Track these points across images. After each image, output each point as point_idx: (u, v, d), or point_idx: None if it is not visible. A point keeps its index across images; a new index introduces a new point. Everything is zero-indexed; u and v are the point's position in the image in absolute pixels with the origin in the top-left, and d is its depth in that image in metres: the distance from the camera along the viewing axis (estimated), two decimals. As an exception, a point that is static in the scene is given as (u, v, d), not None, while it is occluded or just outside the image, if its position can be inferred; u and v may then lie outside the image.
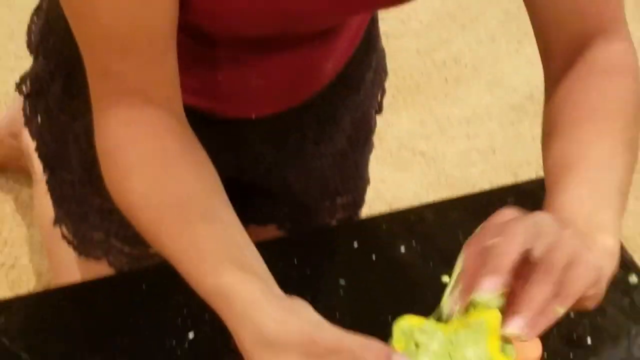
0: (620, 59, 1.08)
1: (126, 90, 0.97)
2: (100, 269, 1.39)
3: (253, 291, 0.90)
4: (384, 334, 1.22)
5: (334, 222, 1.54)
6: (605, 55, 1.07)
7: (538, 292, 0.85)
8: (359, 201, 1.55)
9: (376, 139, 1.55)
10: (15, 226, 2.11)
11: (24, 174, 2.13)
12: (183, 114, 1.03)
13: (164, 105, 1.00)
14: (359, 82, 1.39)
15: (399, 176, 2.31)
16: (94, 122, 0.99)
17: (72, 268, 1.45)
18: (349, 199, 1.50)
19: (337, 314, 1.23)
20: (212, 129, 1.22)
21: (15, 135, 1.88)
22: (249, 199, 1.45)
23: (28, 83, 1.38)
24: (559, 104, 1.07)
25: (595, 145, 1.00)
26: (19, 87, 1.41)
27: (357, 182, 1.52)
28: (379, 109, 1.50)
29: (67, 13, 0.95)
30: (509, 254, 0.86)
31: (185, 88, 1.02)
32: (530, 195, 1.33)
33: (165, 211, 0.97)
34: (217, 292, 0.91)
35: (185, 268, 0.95)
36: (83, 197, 1.34)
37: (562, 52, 1.08)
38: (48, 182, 1.42)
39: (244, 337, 0.89)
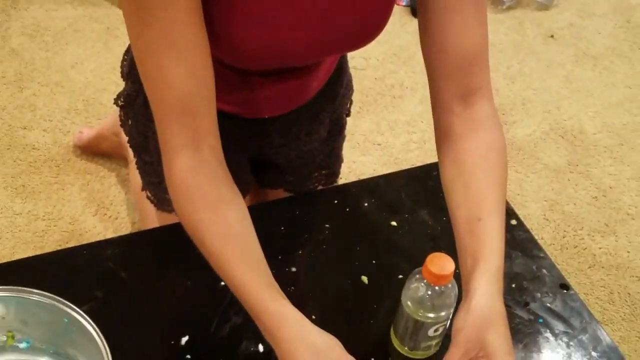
0: (492, 116, 1.01)
1: (185, 137, 0.92)
2: (171, 218, 1.33)
3: (299, 317, 0.88)
4: (352, 255, 1.25)
5: (320, 187, 1.51)
6: (485, 113, 1.00)
7: None
8: (336, 173, 1.52)
9: (348, 134, 1.55)
10: (118, 192, 2.10)
11: (122, 159, 2.11)
12: (223, 160, 0.97)
13: (212, 154, 0.95)
14: (334, 95, 1.37)
15: (363, 159, 2.31)
16: (162, 159, 0.95)
17: (153, 218, 1.45)
18: (329, 171, 1.48)
19: (324, 245, 1.26)
20: (242, 125, 1.23)
21: (117, 134, 1.84)
22: (265, 171, 1.45)
23: (121, 99, 1.37)
24: (458, 160, 1.00)
25: (490, 204, 0.95)
26: (115, 101, 1.40)
27: (335, 160, 1.49)
28: (348, 114, 1.47)
29: (139, 69, 0.93)
30: None
31: (226, 101, 0.99)
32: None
33: (226, 242, 0.92)
34: (272, 315, 0.88)
35: (241, 291, 0.90)
36: (158, 172, 1.33)
37: (449, 98, 1.00)
38: (136, 163, 1.43)
39: (296, 347, 0.85)
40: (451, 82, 0.99)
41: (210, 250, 0.92)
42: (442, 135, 1.02)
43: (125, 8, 0.88)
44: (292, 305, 0.89)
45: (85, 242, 1.25)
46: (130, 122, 1.39)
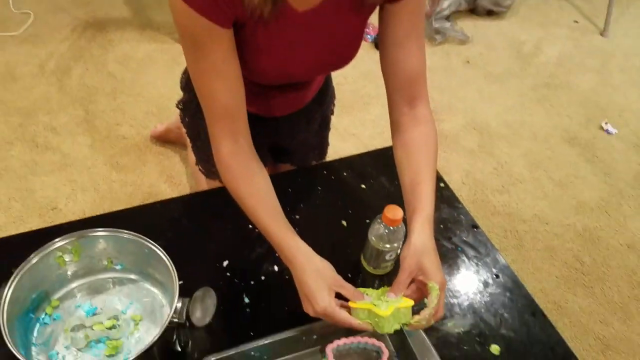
0: (429, 115, 1.00)
1: (227, 132, 0.93)
2: (216, 184, 1.37)
3: (307, 248, 0.90)
4: (336, 207, 1.24)
5: (314, 162, 1.49)
6: (424, 114, 0.99)
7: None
8: (325, 153, 1.49)
9: (333, 128, 1.54)
10: (180, 167, 2.10)
11: (183, 145, 2.10)
12: (253, 146, 0.97)
13: (246, 143, 0.95)
14: (323, 101, 1.35)
15: (344, 145, 2.31)
16: (212, 146, 0.95)
17: (204, 184, 1.43)
18: (320, 151, 1.46)
19: (317, 201, 1.26)
20: (260, 122, 1.21)
21: (179, 128, 1.80)
22: (278, 152, 1.44)
23: (181, 104, 1.36)
24: (405, 144, 0.99)
25: (425, 173, 0.94)
26: (177, 105, 1.39)
27: (324, 144, 1.47)
28: (332, 113, 1.45)
29: (195, 86, 0.93)
30: (403, 285, 0.87)
31: (250, 105, 0.97)
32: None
33: (257, 201, 0.93)
34: (286, 244, 0.89)
35: (267, 229, 0.91)
36: (207, 153, 1.29)
37: (400, 102, 0.99)
38: (192, 147, 1.40)
39: (300, 267, 0.86)
40: (401, 93, 0.99)
41: (247, 206, 0.93)
42: (395, 128, 1.02)
43: (183, 45, 0.89)
44: (302, 241, 0.91)
45: (159, 200, 1.24)
46: (187, 120, 1.38)
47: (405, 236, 0.93)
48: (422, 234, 0.87)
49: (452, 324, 1.05)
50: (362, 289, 0.90)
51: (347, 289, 0.86)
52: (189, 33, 0.85)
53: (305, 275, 0.85)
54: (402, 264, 0.87)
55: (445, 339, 1.03)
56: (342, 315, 0.84)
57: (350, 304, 0.86)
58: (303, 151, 1.42)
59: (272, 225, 0.91)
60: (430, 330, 1.02)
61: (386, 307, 0.83)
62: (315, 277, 0.85)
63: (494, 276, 1.15)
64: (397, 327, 0.85)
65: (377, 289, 0.93)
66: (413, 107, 0.99)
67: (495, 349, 1.02)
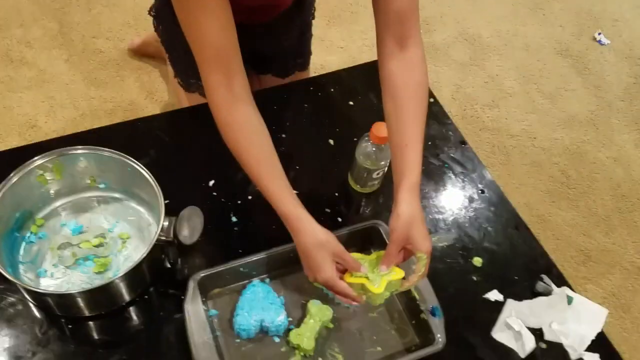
0: (422, 60, 0.92)
1: (222, 79, 0.86)
2: (197, 98, 1.33)
3: (310, 219, 0.86)
4: (323, 125, 1.23)
5: (296, 72, 1.41)
6: (416, 57, 0.91)
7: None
8: (307, 62, 1.43)
9: (319, 40, 1.51)
10: (160, 83, 2.05)
11: (163, 59, 2.01)
12: (250, 92, 0.90)
13: (243, 89, 0.88)
14: (302, 5, 1.27)
15: (331, 58, 2.25)
16: (205, 92, 0.88)
17: (185, 100, 1.42)
18: (302, 60, 1.39)
19: (304, 119, 1.24)
20: (247, 29, 1.17)
21: (158, 40, 1.78)
22: (259, 61, 1.39)
23: (153, 10, 1.31)
24: (394, 97, 0.92)
25: (413, 134, 0.89)
26: (149, 12, 1.34)
27: (306, 52, 1.40)
28: (313, 17, 1.37)
29: (183, 28, 0.85)
30: (394, 256, 0.86)
31: (234, 12, 0.95)
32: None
33: (258, 162, 0.88)
34: (291, 215, 0.86)
35: (271, 196, 0.87)
36: (184, 62, 1.28)
37: (389, 42, 0.91)
38: (168, 58, 1.36)
39: (305, 239, 0.85)
40: (390, 31, 0.91)
41: (247, 165, 0.89)
42: (384, 74, 0.93)
43: None
44: (304, 209, 0.87)
45: (140, 117, 1.22)
46: (161, 28, 1.33)
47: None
48: (409, 204, 0.85)
49: (437, 239, 1.08)
50: (357, 256, 0.91)
51: (347, 260, 0.87)
52: None
53: (309, 247, 0.85)
54: (390, 235, 0.86)
55: (430, 253, 1.06)
56: (342, 285, 0.85)
57: (345, 277, 0.87)
58: (284, 59, 1.38)
59: (275, 191, 0.87)
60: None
61: (379, 283, 0.85)
62: (319, 249, 0.85)
63: (480, 191, 1.17)
64: (388, 296, 0.87)
65: (368, 254, 0.93)
66: (403, 48, 0.91)
67: (477, 261, 1.05)
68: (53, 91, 2.01)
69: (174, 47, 1.31)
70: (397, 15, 0.90)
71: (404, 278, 0.87)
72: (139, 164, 0.95)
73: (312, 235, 0.85)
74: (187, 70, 1.30)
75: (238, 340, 0.91)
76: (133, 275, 0.88)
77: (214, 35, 0.84)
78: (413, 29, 0.91)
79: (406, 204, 0.85)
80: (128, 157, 0.96)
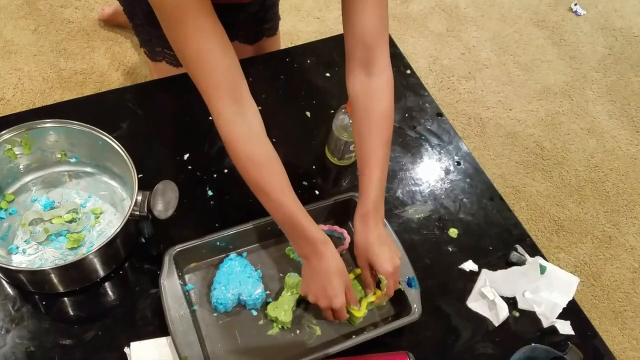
0: (387, 87, 0.90)
1: (232, 104, 0.82)
2: (163, 66, 1.28)
3: (310, 225, 0.85)
4: (299, 97, 1.21)
5: (264, 39, 1.34)
6: (381, 87, 0.89)
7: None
8: (276, 27, 1.36)
9: (296, 11, 1.46)
10: (132, 54, 2.01)
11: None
12: (260, 117, 0.86)
13: (255, 117, 0.85)
14: None
15: (307, 29, 2.22)
16: (215, 121, 0.83)
17: (153, 70, 1.37)
18: (270, 25, 1.33)
19: (280, 91, 1.23)
20: (231, 7, 1.16)
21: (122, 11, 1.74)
22: (225, 28, 1.35)
23: None
24: (359, 120, 0.90)
25: (374, 159, 0.89)
26: None
27: (274, 17, 1.34)
28: None
29: (181, 56, 0.80)
30: (368, 280, 0.90)
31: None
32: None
33: (284, 185, 0.85)
34: (318, 239, 0.84)
35: (296, 220, 0.84)
36: (147, 31, 1.23)
37: (356, 66, 0.89)
38: (132, 27, 1.29)
39: (329, 264, 0.84)
40: (356, 56, 0.89)
41: (269, 193, 0.84)
42: (351, 95, 0.92)
43: (159, 10, 0.78)
44: (323, 231, 0.87)
45: (111, 89, 1.19)
46: None
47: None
48: (362, 232, 0.88)
49: (413, 210, 1.09)
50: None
51: (351, 295, 0.89)
52: None
53: (332, 272, 0.85)
54: (357, 262, 0.91)
55: (406, 225, 1.06)
56: (345, 314, 0.88)
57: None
58: (249, 25, 1.33)
59: (301, 216, 0.85)
60: (391, 217, 1.06)
61: (359, 307, 0.91)
62: (340, 276, 0.86)
63: (456, 163, 1.17)
64: (366, 314, 0.92)
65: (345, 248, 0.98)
66: (369, 75, 0.89)
67: (453, 232, 1.07)
68: (21, 63, 1.95)
69: (135, 14, 1.25)
70: (362, 41, 0.87)
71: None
72: (111, 137, 0.93)
73: (336, 261, 0.86)
74: (151, 38, 1.26)
75: (215, 314, 0.91)
76: (107, 251, 0.87)
77: (216, 57, 0.79)
78: (379, 54, 0.88)
79: (360, 232, 0.88)
80: (99, 130, 0.94)
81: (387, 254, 0.88)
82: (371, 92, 0.89)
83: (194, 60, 0.79)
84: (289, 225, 0.86)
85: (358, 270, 0.94)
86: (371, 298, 0.91)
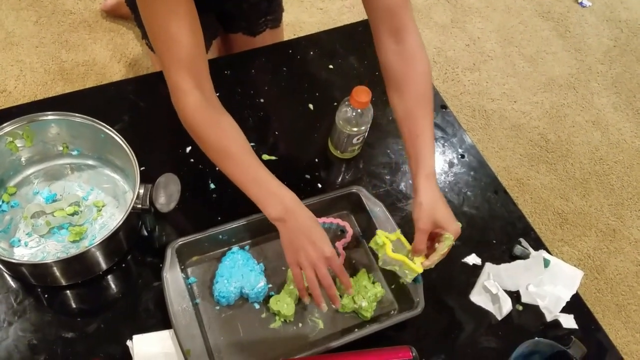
0: (419, 48, 0.92)
1: (192, 81, 0.83)
2: None
3: (277, 183, 0.84)
4: (302, 89, 1.20)
5: (267, 30, 1.34)
6: (414, 47, 0.91)
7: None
8: (279, 19, 1.36)
9: (299, 2, 1.45)
10: (135, 45, 1.99)
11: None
12: (215, 94, 0.87)
13: (212, 93, 0.86)
14: None
15: (310, 20, 2.20)
16: (173, 98, 0.85)
17: (155, 62, 1.36)
18: (273, 17, 1.33)
19: (282, 83, 1.22)
20: None
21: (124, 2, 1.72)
22: (228, 20, 1.34)
23: None
24: (398, 89, 0.91)
25: (423, 123, 0.89)
26: None
27: (277, 9, 1.34)
28: None
29: (150, 33, 0.82)
30: (422, 245, 0.86)
31: None
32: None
33: (247, 148, 0.85)
34: (256, 180, 0.83)
35: (261, 180, 0.83)
36: None
37: (385, 37, 0.91)
38: (134, 19, 1.28)
39: (306, 216, 0.83)
40: (383, 26, 0.90)
41: (231, 156, 0.85)
42: (385, 67, 0.93)
43: None
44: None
45: (113, 81, 1.19)
46: None
47: (413, 192, 0.91)
48: (429, 191, 0.86)
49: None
50: (381, 233, 0.90)
51: (341, 266, 0.86)
52: None
53: (311, 225, 0.83)
54: (416, 225, 0.86)
55: (408, 218, 1.05)
56: (341, 264, 0.85)
57: (386, 251, 0.88)
58: (253, 16, 1.33)
59: (266, 176, 0.84)
60: (395, 211, 1.06)
61: (416, 263, 0.87)
62: (320, 227, 0.84)
63: (460, 156, 1.17)
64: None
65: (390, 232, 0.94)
66: (399, 41, 0.90)
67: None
68: (22, 54, 1.95)
69: (135, 7, 1.25)
70: (387, 9, 0.89)
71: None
72: (113, 129, 0.93)
73: (310, 214, 0.84)
74: None
75: (218, 308, 0.91)
76: (109, 244, 0.87)
77: (185, 38, 0.81)
78: (406, 19, 0.90)
79: (426, 192, 0.86)
80: (101, 122, 0.93)
81: (453, 215, 0.88)
82: (405, 56, 0.91)
83: (161, 35, 0.81)
84: (256, 186, 0.84)
85: (398, 232, 0.91)
86: (422, 258, 0.88)
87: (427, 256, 0.88)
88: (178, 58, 0.81)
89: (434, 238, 0.89)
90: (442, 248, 0.87)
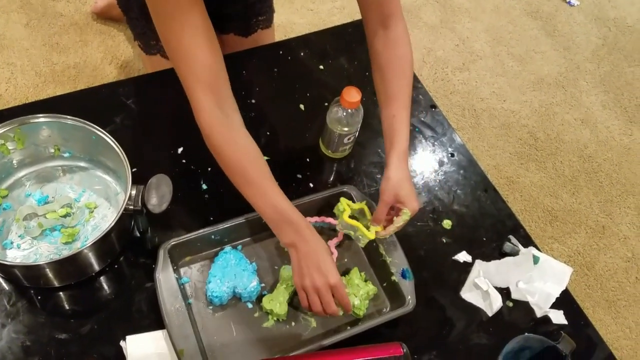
0: (403, 34, 0.96)
1: (212, 98, 0.82)
2: (157, 59, 1.29)
3: (293, 209, 0.85)
4: (293, 90, 1.21)
5: (259, 31, 1.35)
6: (399, 34, 0.95)
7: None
8: (270, 19, 1.37)
9: (289, 3, 1.46)
10: (125, 47, 1.98)
11: None
12: (239, 112, 0.87)
13: (235, 112, 0.86)
14: None
15: (301, 21, 2.21)
16: (196, 116, 0.84)
17: (147, 64, 1.37)
18: (265, 17, 1.34)
19: (273, 84, 1.22)
20: None
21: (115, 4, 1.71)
22: (221, 20, 1.32)
23: None
24: (380, 69, 0.95)
25: (400, 104, 0.93)
26: None
27: (268, 10, 1.35)
28: None
29: (168, 49, 0.81)
30: (382, 215, 0.91)
31: None
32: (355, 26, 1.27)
33: (265, 172, 0.86)
34: (274, 206, 0.84)
35: (279, 207, 0.84)
36: (142, 25, 1.24)
37: (373, 24, 0.95)
38: (126, 20, 1.30)
39: (318, 244, 0.84)
40: (372, 13, 0.95)
41: (250, 179, 0.85)
42: (372, 52, 0.98)
43: (152, 5, 0.79)
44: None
45: (104, 82, 1.18)
46: None
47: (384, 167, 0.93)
48: (398, 168, 0.90)
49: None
50: (345, 202, 0.95)
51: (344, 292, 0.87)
52: None
53: (321, 253, 0.84)
54: (381, 197, 0.91)
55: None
56: (345, 292, 0.86)
57: (344, 216, 0.93)
58: (245, 17, 1.34)
59: (283, 202, 0.85)
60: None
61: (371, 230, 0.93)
62: (329, 256, 0.85)
63: (450, 155, 1.18)
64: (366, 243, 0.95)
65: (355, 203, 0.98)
66: (386, 27, 0.95)
67: (447, 223, 1.07)
68: (13, 57, 1.94)
69: (130, 7, 1.25)
70: (376, 1, 0.93)
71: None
72: (104, 131, 0.93)
73: (322, 242, 0.86)
74: (145, 31, 1.25)
75: (211, 307, 0.91)
76: (102, 245, 0.87)
77: (203, 55, 0.81)
78: (393, 7, 0.94)
79: (395, 168, 0.90)
80: (92, 124, 0.93)
81: (415, 194, 0.92)
82: (390, 41, 0.95)
83: (180, 53, 0.81)
84: (273, 212, 0.85)
85: (362, 204, 0.96)
86: (379, 228, 0.92)
87: (385, 227, 0.92)
88: (198, 76, 0.82)
89: (393, 215, 0.93)
90: (399, 221, 0.91)
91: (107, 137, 0.93)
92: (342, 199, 0.96)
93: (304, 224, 0.85)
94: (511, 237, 1.06)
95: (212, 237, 0.94)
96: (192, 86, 0.82)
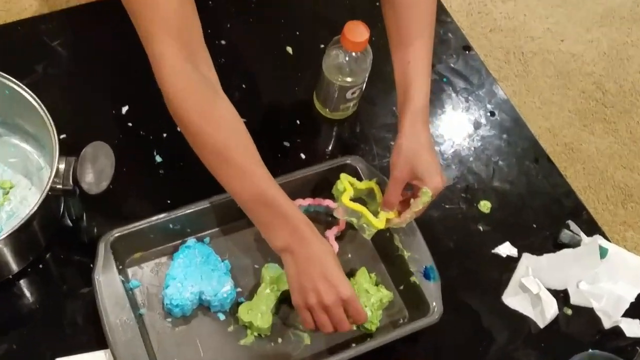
0: None
1: (183, 52, 0.81)
2: None
3: (290, 203, 0.84)
4: (278, 27, 1.20)
5: None
6: None
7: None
8: None
9: None
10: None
11: None
12: (213, 69, 0.87)
13: (209, 69, 0.86)
14: None
15: None
16: (157, 70, 0.83)
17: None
18: None
19: (251, 18, 1.21)
20: None
21: None
22: None
23: None
24: (394, 4, 0.94)
25: (418, 46, 0.93)
26: None
27: None
28: None
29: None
30: (394, 197, 0.90)
31: None
32: None
33: (234, 132, 0.84)
34: (263, 197, 0.83)
35: (273, 197, 0.83)
36: None
37: None
38: None
39: (323, 247, 0.84)
40: None
41: (237, 160, 0.84)
42: None
43: None
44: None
45: (23, 18, 1.18)
46: None
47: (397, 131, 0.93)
48: (412, 134, 0.90)
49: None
50: (346, 178, 0.95)
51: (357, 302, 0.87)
52: None
53: (326, 257, 0.84)
54: (391, 171, 0.90)
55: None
56: (360, 305, 0.85)
57: (343, 199, 0.92)
58: None
59: (278, 193, 0.84)
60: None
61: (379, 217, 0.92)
62: (336, 260, 0.85)
63: (489, 114, 1.18)
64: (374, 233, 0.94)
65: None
66: None
67: (485, 205, 1.08)
68: None
69: None
70: None
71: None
72: (21, 84, 0.92)
73: (326, 244, 0.86)
74: None
75: (169, 320, 0.91)
76: (20, 238, 0.87)
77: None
78: None
79: (409, 133, 0.90)
80: (5, 75, 0.92)
81: (439, 166, 0.91)
82: None
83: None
84: (259, 204, 0.84)
85: (371, 182, 0.96)
86: (391, 215, 0.92)
87: (400, 213, 0.92)
88: (163, 21, 0.81)
89: (413, 196, 0.92)
90: (417, 205, 0.89)
91: (25, 91, 0.92)
92: (343, 176, 0.95)
93: (304, 221, 0.84)
94: (570, 222, 1.06)
95: (170, 226, 0.94)
96: (151, 33, 0.81)
